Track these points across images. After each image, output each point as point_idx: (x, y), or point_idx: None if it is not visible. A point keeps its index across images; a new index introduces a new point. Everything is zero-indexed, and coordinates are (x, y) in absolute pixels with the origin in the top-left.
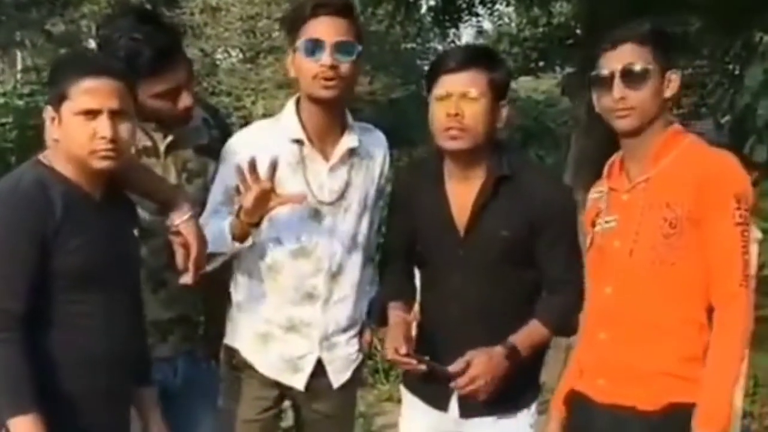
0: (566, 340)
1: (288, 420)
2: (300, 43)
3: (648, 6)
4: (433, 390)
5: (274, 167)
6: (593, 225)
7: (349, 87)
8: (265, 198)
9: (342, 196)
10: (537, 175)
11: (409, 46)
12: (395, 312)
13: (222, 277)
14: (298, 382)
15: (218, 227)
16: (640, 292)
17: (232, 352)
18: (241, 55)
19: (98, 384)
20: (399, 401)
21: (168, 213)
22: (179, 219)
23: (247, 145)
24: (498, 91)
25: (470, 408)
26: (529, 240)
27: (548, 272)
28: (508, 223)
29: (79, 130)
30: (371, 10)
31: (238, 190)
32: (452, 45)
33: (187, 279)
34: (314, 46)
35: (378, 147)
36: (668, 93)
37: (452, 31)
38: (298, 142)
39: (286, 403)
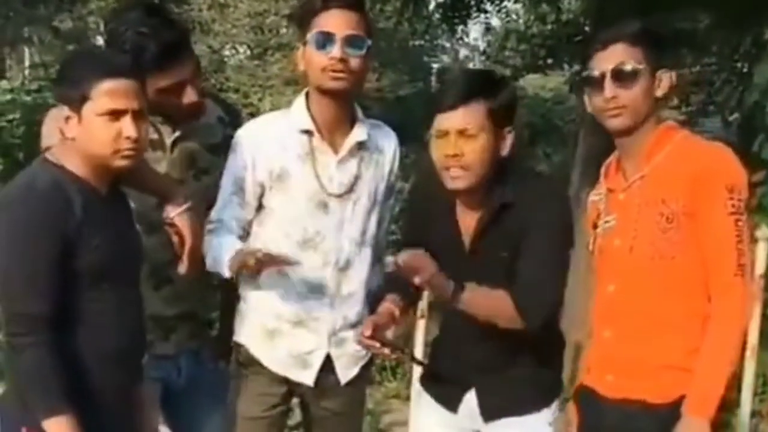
0: (575, 338)
1: (295, 417)
2: (310, 35)
3: (656, 2)
4: (446, 390)
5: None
6: (595, 227)
7: (358, 81)
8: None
9: (351, 189)
10: (536, 199)
11: (417, 43)
12: (384, 303)
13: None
14: (308, 378)
15: (218, 251)
16: (642, 288)
17: (239, 348)
18: (248, 52)
19: (112, 380)
20: (406, 399)
21: (164, 206)
22: (174, 211)
23: (257, 135)
24: (499, 120)
25: (492, 411)
26: None
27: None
28: (507, 245)
29: (103, 130)
30: (379, 7)
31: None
32: (460, 42)
33: (182, 268)
34: (325, 39)
35: (388, 142)
36: (659, 92)
37: (460, 28)
38: (308, 132)
39: (294, 401)
